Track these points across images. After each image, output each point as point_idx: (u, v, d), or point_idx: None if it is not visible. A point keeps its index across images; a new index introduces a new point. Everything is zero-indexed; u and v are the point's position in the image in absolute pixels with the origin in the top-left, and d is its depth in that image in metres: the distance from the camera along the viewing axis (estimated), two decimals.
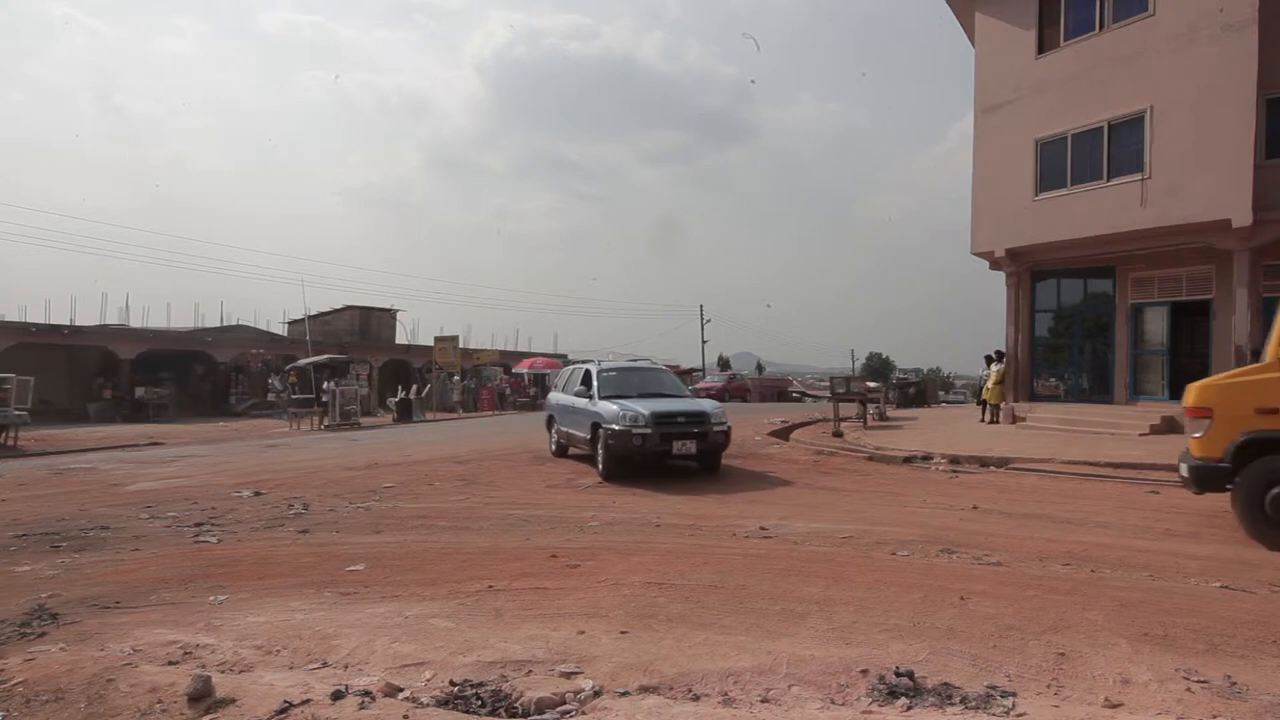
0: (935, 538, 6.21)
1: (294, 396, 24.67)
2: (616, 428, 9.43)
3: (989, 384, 17.30)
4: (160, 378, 31.07)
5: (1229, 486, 6.03)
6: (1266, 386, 5.90)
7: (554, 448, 12.52)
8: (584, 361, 12.81)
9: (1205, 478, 6.15)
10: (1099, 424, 13.98)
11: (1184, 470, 6.36)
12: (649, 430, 9.29)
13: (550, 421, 12.73)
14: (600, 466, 9.94)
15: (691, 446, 9.50)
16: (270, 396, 29.82)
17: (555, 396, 12.72)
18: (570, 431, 11.37)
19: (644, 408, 9.54)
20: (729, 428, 9.96)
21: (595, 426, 9.98)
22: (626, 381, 11.05)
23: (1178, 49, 13.27)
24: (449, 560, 5.65)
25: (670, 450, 9.41)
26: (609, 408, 9.79)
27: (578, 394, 10.96)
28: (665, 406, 9.82)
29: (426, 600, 4.54)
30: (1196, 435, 6.20)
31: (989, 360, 18.07)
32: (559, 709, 2.98)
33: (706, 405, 10.21)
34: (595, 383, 10.76)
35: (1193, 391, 6.33)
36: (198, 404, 32.06)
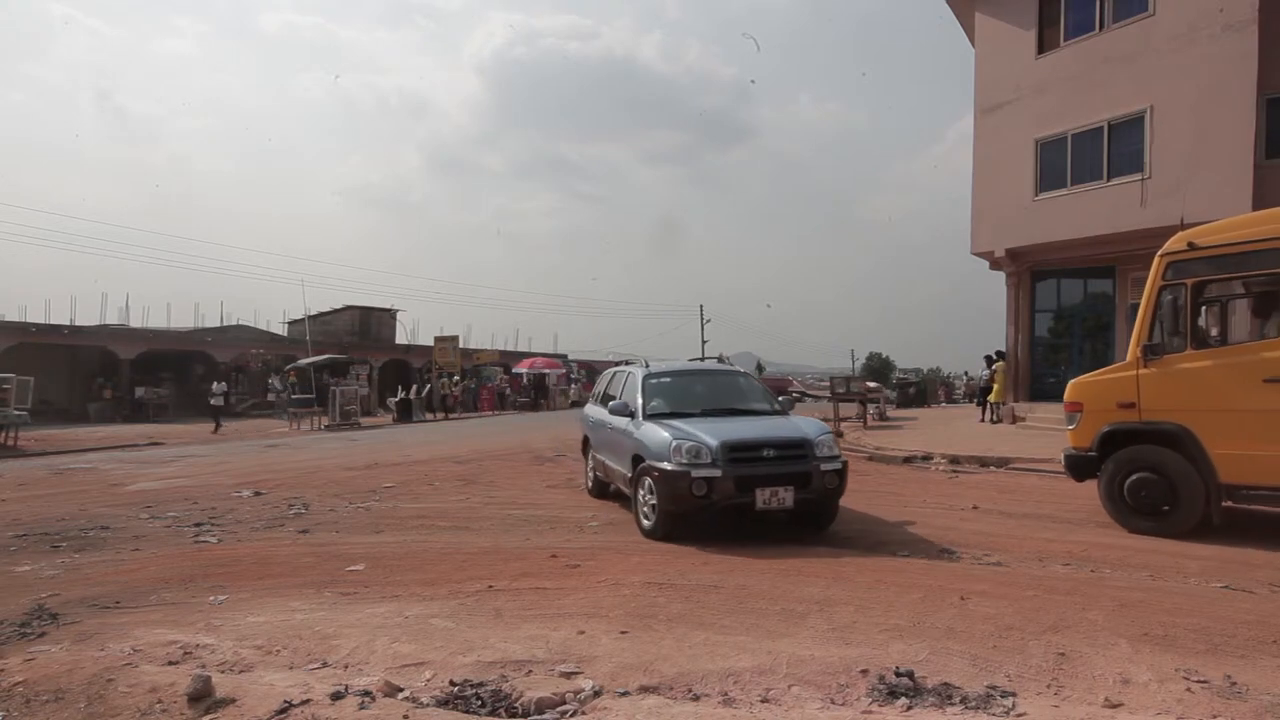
0: (935, 538, 6.21)
1: (294, 396, 24.67)
2: (667, 467, 6.04)
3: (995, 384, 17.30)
4: (160, 378, 31.07)
5: (1097, 474, 6.73)
6: (1125, 383, 6.58)
7: (590, 482, 8.84)
8: (625, 362, 9.14)
9: (1078, 466, 6.88)
10: None
11: (1063, 459, 7.07)
12: (718, 472, 5.90)
13: (586, 446, 9.09)
14: (644, 523, 6.44)
15: (787, 497, 5.94)
16: (270, 396, 29.83)
17: (591, 412, 8.92)
18: (609, 464, 7.74)
19: (710, 435, 6.14)
20: (844, 464, 6.42)
21: (636, 460, 6.61)
22: (686, 391, 7.53)
23: (1178, 49, 13.27)
24: (449, 560, 5.65)
25: (752, 502, 5.92)
26: (656, 435, 6.37)
27: (616, 409, 7.28)
28: (742, 432, 6.35)
29: (426, 600, 4.54)
30: (1071, 427, 6.95)
31: (989, 360, 18.08)
32: (559, 709, 2.98)
33: (806, 427, 6.61)
34: (640, 394, 7.15)
35: (1069, 388, 7.07)
36: (198, 404, 32.04)
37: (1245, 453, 5.95)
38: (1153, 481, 6.32)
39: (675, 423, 6.58)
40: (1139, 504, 6.42)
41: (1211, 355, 6.24)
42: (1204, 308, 6.54)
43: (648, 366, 7.92)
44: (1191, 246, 6.33)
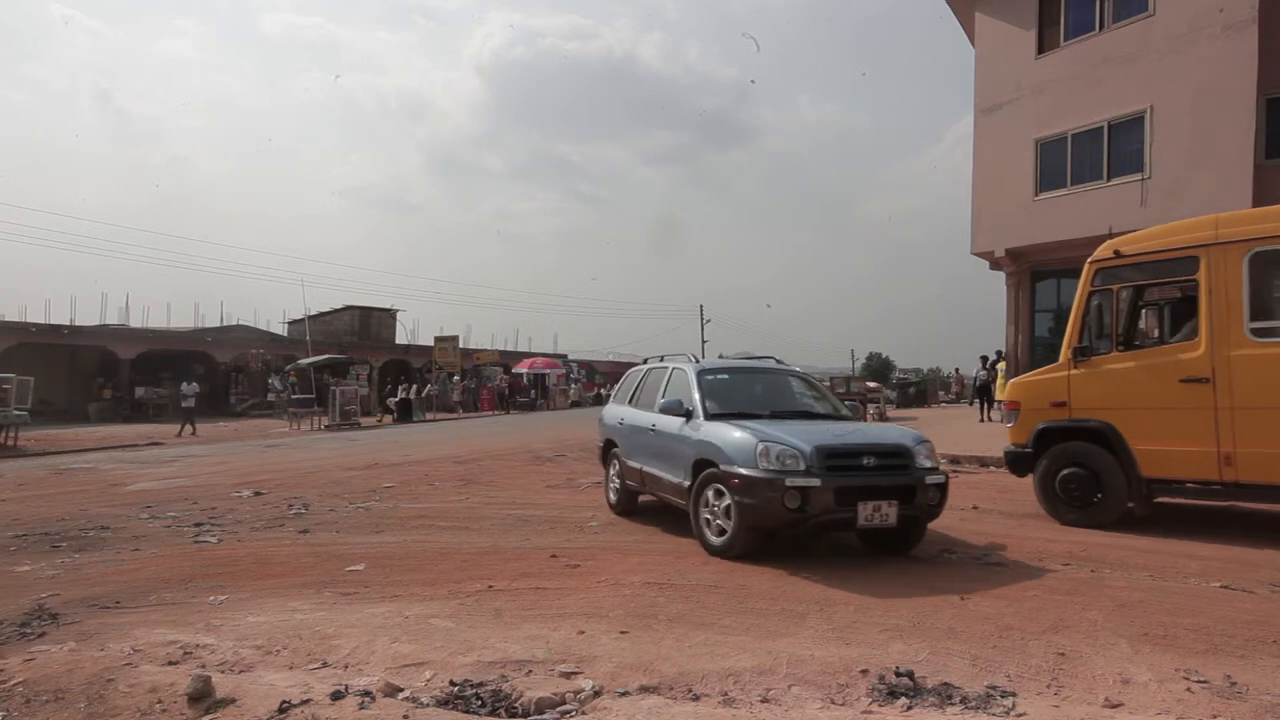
0: (935, 538, 6.21)
1: (294, 396, 24.69)
2: (752, 474, 5.16)
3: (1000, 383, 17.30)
4: (160, 378, 31.10)
5: (1033, 469, 7.07)
6: (1057, 383, 6.97)
7: (614, 495, 7.71)
8: (661, 359, 7.77)
9: (1017, 462, 7.23)
10: None
11: (1004, 456, 7.46)
12: (815, 481, 5.02)
13: (609, 451, 7.89)
14: (712, 540, 5.59)
15: (891, 513, 5.12)
16: (270, 396, 29.85)
17: (618, 413, 7.86)
18: (648, 471, 6.77)
19: (799, 438, 5.29)
20: (947, 477, 5.64)
21: (700, 467, 5.80)
22: (746, 391, 6.83)
23: (1178, 49, 13.27)
24: (449, 560, 5.65)
25: (853, 518, 5.08)
26: (732, 436, 5.52)
27: (667, 408, 6.38)
28: (835, 436, 5.52)
29: (426, 600, 4.54)
30: (1010, 425, 7.35)
31: (984, 360, 18.08)
32: (559, 709, 2.98)
33: (898, 434, 5.86)
34: (697, 391, 6.32)
35: (1009, 387, 7.54)
36: (198, 404, 32.04)
37: (1163, 448, 6.33)
38: (1082, 476, 6.69)
39: (751, 424, 5.67)
40: (1069, 497, 6.79)
41: (1134, 357, 6.61)
42: (1128, 312, 6.90)
43: (696, 361, 7.08)
44: (1117, 254, 6.70)
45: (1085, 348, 6.81)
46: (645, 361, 8.19)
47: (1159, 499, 6.62)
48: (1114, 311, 6.72)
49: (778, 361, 7.76)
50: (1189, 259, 6.28)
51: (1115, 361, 6.63)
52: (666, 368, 7.27)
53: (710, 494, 5.61)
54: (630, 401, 7.72)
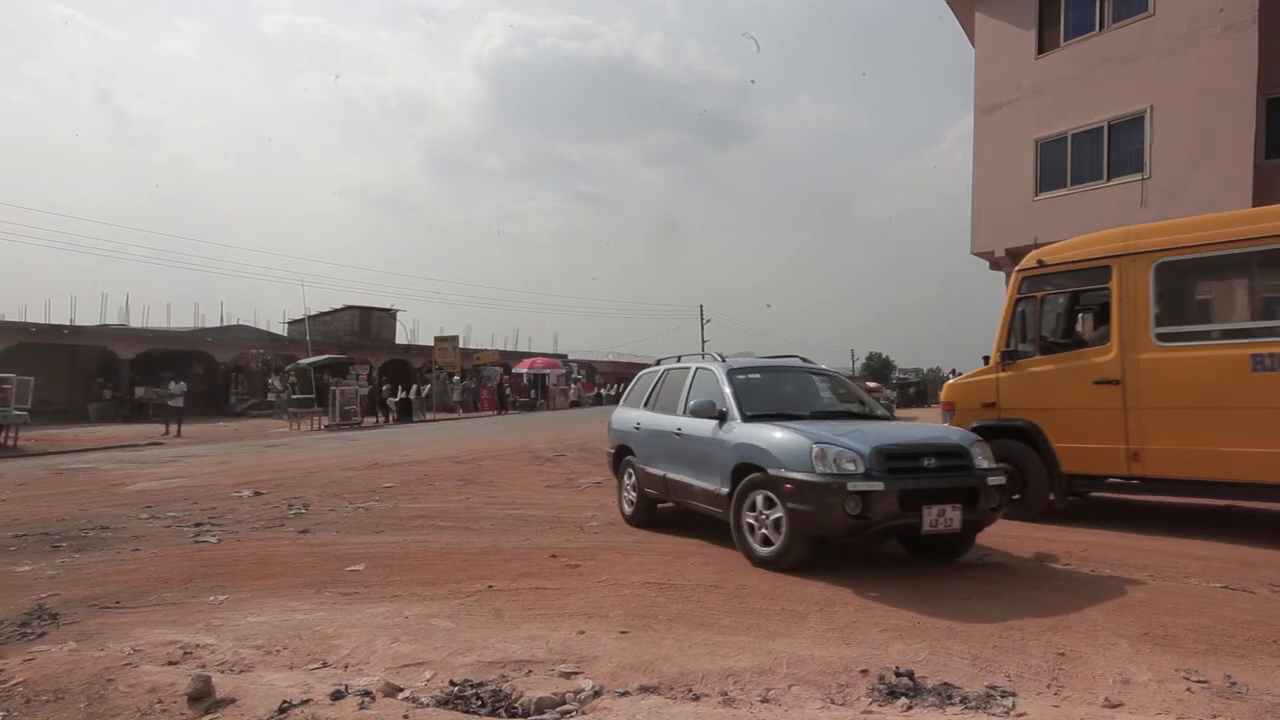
0: None
1: (294, 396, 24.69)
2: (808, 478, 4.79)
3: None
4: (160, 378, 31.11)
5: None
6: (987, 385, 7.33)
7: (628, 506, 7.27)
8: (679, 359, 7.44)
9: None
10: None
11: None
12: (878, 485, 4.68)
13: (622, 460, 7.45)
14: (758, 550, 5.23)
15: (955, 518, 4.81)
16: (270, 396, 29.86)
17: (633, 417, 7.38)
18: (674, 478, 6.38)
19: (853, 438, 4.98)
20: (1005, 479, 5.33)
21: (741, 472, 5.41)
22: (778, 391, 6.46)
23: (1178, 49, 13.27)
24: (449, 560, 5.65)
25: (919, 523, 4.75)
26: (781, 437, 5.15)
27: (698, 410, 5.94)
28: (891, 436, 5.19)
29: (426, 600, 4.54)
30: (946, 425, 7.42)
31: (986, 360, 18.05)
32: (559, 709, 2.98)
33: (955, 433, 5.60)
34: (730, 392, 5.96)
35: (944, 389, 7.93)
36: (198, 404, 32.07)
37: (1080, 446, 6.69)
38: (1009, 472, 6.71)
39: (797, 425, 5.32)
40: None
41: (1055, 360, 6.96)
42: (1050, 318, 7.28)
43: (723, 360, 6.63)
44: (1041, 264, 7.11)
45: (1012, 351, 7.20)
46: (659, 363, 7.78)
47: (1091, 495, 7.08)
48: (1037, 317, 7.11)
49: (803, 360, 7.25)
50: (1103, 268, 6.65)
51: (1038, 365, 7.02)
52: (688, 368, 6.85)
53: (756, 500, 5.22)
54: (646, 405, 7.27)
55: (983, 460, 5.17)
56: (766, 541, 5.18)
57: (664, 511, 7.17)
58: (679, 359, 7.42)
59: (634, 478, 7.14)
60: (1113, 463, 6.51)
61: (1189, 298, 6.91)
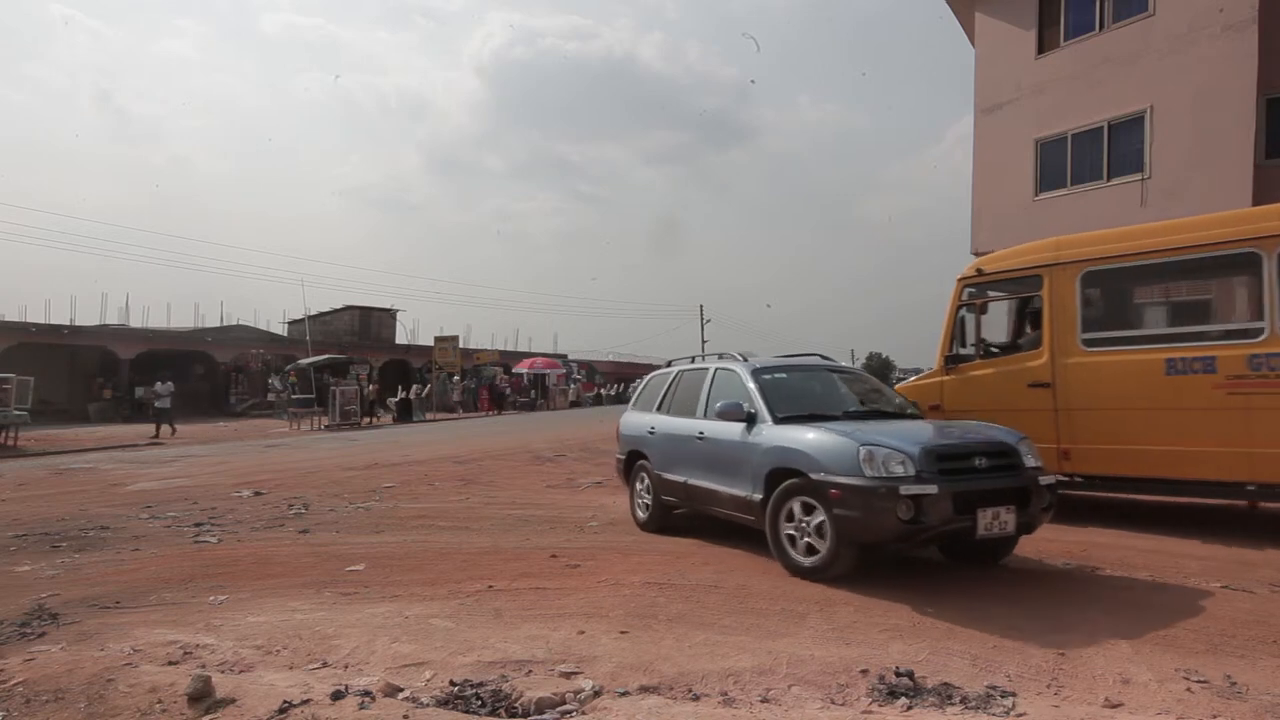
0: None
1: (294, 396, 24.70)
2: (856, 483, 4.50)
3: None
4: (162, 378, 31.09)
5: None
6: (933, 388, 7.55)
7: (643, 511, 6.95)
8: (693, 359, 7.24)
9: None
10: None
11: None
12: (932, 488, 4.41)
13: (633, 465, 7.17)
14: (799, 560, 4.91)
15: (1009, 520, 4.60)
16: (270, 396, 29.86)
17: (646, 420, 7.08)
18: (696, 484, 6.08)
19: (900, 440, 4.70)
20: (1055, 479, 5.17)
21: (777, 477, 5.11)
22: (806, 391, 6.19)
23: (1178, 49, 13.27)
24: (449, 560, 5.65)
25: (973, 527, 4.50)
26: (822, 439, 4.88)
27: (725, 413, 5.63)
28: (938, 436, 5.02)
29: (426, 600, 4.54)
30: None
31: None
32: (559, 709, 2.98)
33: (1000, 431, 5.19)
34: (758, 393, 5.66)
35: (894, 390, 7.96)
36: (198, 404, 32.09)
37: None
38: None
39: (835, 425, 5.08)
40: None
41: (993, 364, 7.27)
42: (990, 323, 7.58)
43: (746, 360, 6.33)
44: (980, 273, 7.41)
45: (954, 356, 7.46)
46: (669, 364, 7.54)
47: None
48: (977, 323, 7.45)
49: (823, 358, 6.96)
50: (1035, 277, 6.93)
51: (978, 368, 7.29)
52: (706, 369, 6.55)
53: (795, 508, 4.93)
54: (659, 408, 6.98)
55: (1031, 459, 4.95)
56: (810, 550, 4.85)
57: (674, 514, 6.87)
58: (693, 359, 7.20)
59: (648, 484, 6.85)
60: (1046, 462, 6.65)
61: (1112, 305, 7.29)
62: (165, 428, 20.10)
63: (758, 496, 5.25)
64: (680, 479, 6.31)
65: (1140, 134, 13.80)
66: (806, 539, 4.86)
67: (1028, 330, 7.56)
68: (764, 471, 5.21)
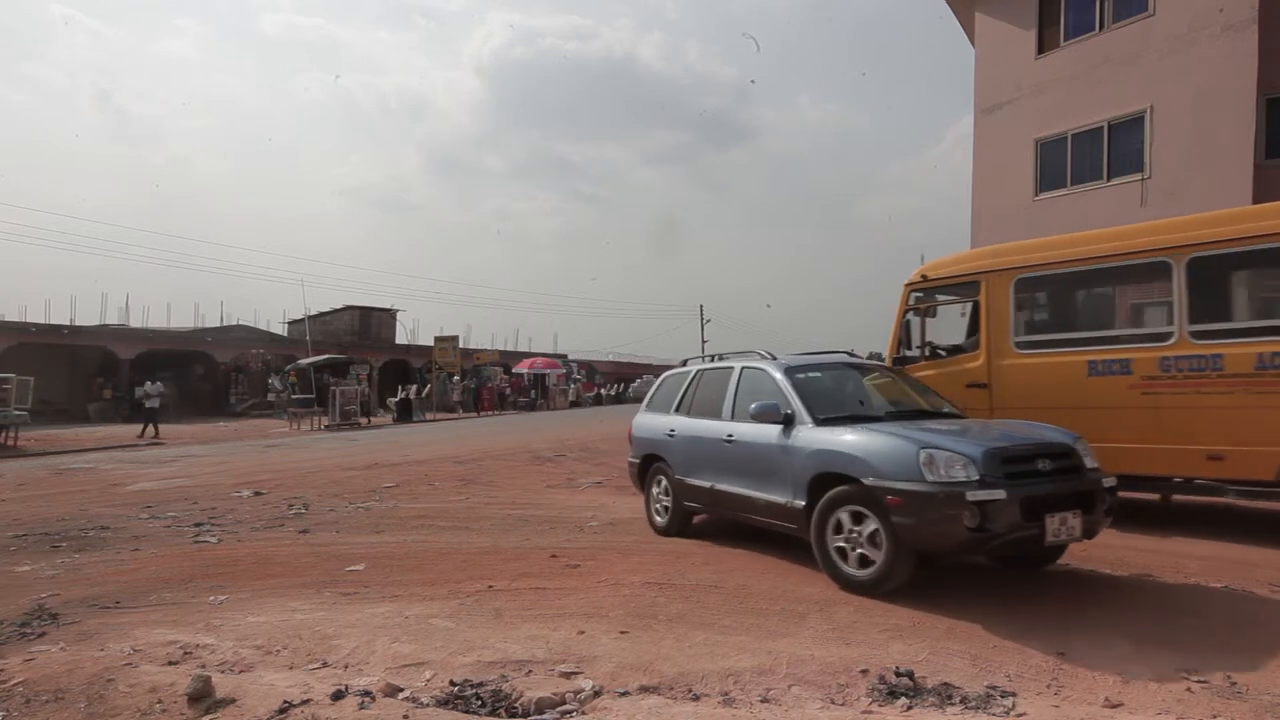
0: None
1: (294, 396, 24.69)
2: (918, 489, 4.19)
3: None
4: (160, 378, 31.08)
5: None
6: None
7: (661, 516, 6.68)
8: (712, 358, 6.90)
9: None
10: None
11: None
12: (1000, 494, 4.10)
13: (650, 469, 6.92)
14: (851, 573, 4.58)
15: (1076, 526, 4.31)
16: (270, 396, 29.86)
17: (664, 423, 6.77)
18: (725, 490, 5.78)
19: (959, 441, 4.44)
20: (1115, 481, 4.76)
21: (822, 483, 4.80)
22: (843, 390, 5.90)
23: (1178, 49, 13.27)
24: (449, 560, 5.65)
25: (1041, 535, 4.20)
26: (876, 442, 4.58)
27: (760, 414, 5.28)
28: (996, 437, 4.69)
29: (426, 600, 4.54)
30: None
31: None
32: (559, 709, 2.98)
33: (1055, 431, 4.91)
34: (793, 394, 5.34)
35: None
36: (198, 404, 32.09)
37: None
38: None
39: (885, 427, 4.82)
40: None
41: (935, 365, 7.51)
42: (935, 327, 7.85)
43: (773, 358, 6.01)
44: (925, 278, 7.70)
45: (902, 358, 7.67)
46: (685, 363, 7.31)
47: None
48: (922, 326, 7.76)
49: (850, 355, 6.67)
50: (974, 283, 7.25)
51: (923, 370, 7.44)
52: (730, 368, 6.23)
53: (844, 517, 4.61)
54: (678, 409, 6.68)
55: (1089, 459, 4.69)
56: (863, 562, 4.51)
57: (694, 520, 6.67)
58: (712, 358, 6.87)
59: (667, 489, 6.59)
60: None
61: (1042, 310, 7.61)
62: (150, 428, 19.72)
63: (799, 503, 4.94)
64: (706, 484, 6.01)
65: (1140, 134, 13.80)
66: (859, 550, 4.52)
67: (964, 333, 7.87)
68: (807, 477, 4.89)
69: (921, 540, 4.31)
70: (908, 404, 5.83)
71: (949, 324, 8.02)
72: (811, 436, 5.00)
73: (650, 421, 7.07)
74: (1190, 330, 5.92)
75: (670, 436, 6.62)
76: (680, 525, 6.51)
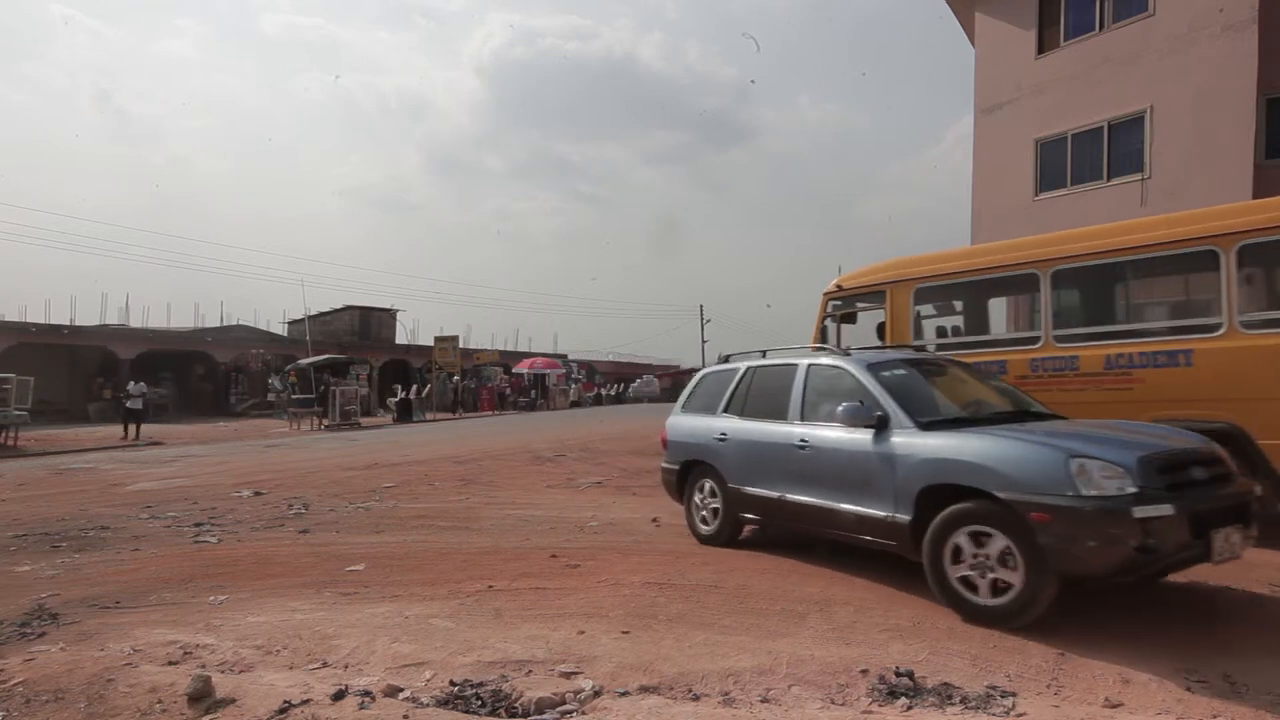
0: None
1: (294, 396, 24.70)
2: (1070, 504, 3.63)
3: None
4: (160, 378, 31.11)
5: None
6: None
7: (707, 526, 6.13)
8: (763, 354, 6.31)
9: None
10: None
11: None
12: (1166, 509, 3.60)
13: (690, 476, 6.36)
14: (983, 602, 3.93)
15: (1238, 541, 3.85)
16: (270, 396, 29.86)
17: (712, 425, 6.17)
18: (797, 500, 5.20)
19: (1105, 448, 3.87)
20: (1259, 489, 4.35)
21: (936, 496, 4.19)
22: (931, 389, 5.29)
23: (1178, 49, 13.27)
24: (449, 560, 5.65)
25: (1208, 553, 3.72)
26: (1003, 449, 4.01)
27: (849, 417, 4.72)
28: (1143, 442, 4.07)
29: (426, 600, 4.54)
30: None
31: None
32: (559, 709, 2.98)
33: (1179, 434, 4.45)
34: (884, 393, 4.78)
35: None
36: (198, 404, 32.10)
37: None
38: None
39: (1013, 431, 4.26)
40: None
41: None
42: (849, 333, 8.47)
43: (849, 353, 5.57)
44: (839, 288, 8.25)
45: None
46: (727, 359, 6.74)
47: None
48: (838, 332, 8.40)
49: (914, 350, 6.25)
50: (881, 292, 7.80)
51: None
52: (793, 365, 5.66)
53: (966, 536, 3.98)
54: (726, 410, 6.11)
55: (1231, 464, 4.24)
56: (997, 588, 3.87)
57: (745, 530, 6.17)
58: (764, 354, 6.31)
59: (713, 497, 6.05)
60: None
61: (936, 316, 8.14)
62: (134, 428, 19.27)
63: (903, 518, 4.36)
64: (772, 494, 5.41)
65: (1140, 134, 13.80)
66: (991, 575, 3.90)
67: (874, 340, 8.35)
68: (914, 489, 4.30)
69: (1073, 563, 3.68)
70: (996, 404, 5.19)
71: (866, 330, 8.63)
72: (917, 442, 4.40)
73: (690, 424, 6.49)
74: (1054, 335, 6.54)
75: (720, 441, 6.00)
76: (730, 535, 5.99)
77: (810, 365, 5.52)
